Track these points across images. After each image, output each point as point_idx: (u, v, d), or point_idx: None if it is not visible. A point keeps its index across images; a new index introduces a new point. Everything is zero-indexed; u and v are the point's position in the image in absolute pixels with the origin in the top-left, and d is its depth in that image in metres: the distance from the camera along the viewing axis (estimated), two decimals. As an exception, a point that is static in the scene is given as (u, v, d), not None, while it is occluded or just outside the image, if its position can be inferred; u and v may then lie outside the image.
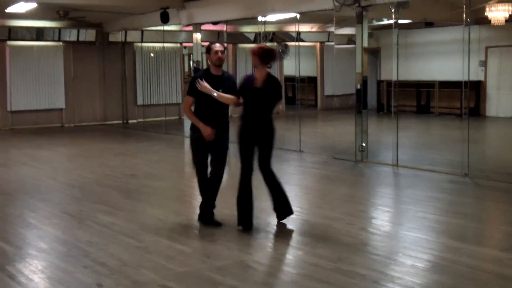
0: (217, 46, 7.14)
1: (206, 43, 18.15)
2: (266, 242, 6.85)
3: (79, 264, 5.98)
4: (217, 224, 7.23)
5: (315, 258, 6.05)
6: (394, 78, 12.01)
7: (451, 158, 12.02)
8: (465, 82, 10.87)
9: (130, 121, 20.50)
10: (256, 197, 9.01)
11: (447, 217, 7.84)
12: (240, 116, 7.14)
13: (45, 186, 10.15)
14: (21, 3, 14.52)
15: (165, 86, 20.54)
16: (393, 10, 11.61)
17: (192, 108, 7.28)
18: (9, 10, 15.37)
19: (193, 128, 7.22)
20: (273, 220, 7.48)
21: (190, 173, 12.26)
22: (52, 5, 15.64)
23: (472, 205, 8.63)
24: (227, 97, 7.07)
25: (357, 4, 11.54)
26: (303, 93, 21.62)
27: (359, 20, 11.93)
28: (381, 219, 7.97)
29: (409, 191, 9.48)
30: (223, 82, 7.15)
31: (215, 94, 7.01)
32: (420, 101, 21.78)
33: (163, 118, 18.94)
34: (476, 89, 19.48)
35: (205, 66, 16.44)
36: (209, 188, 7.28)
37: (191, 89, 7.14)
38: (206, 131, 7.07)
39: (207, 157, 7.28)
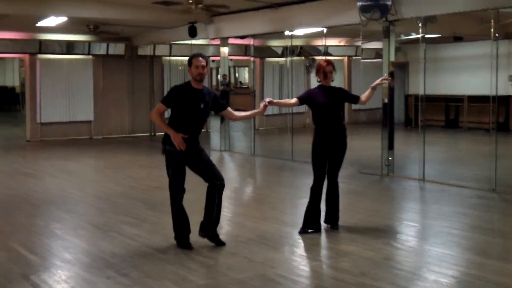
0: (199, 60, 6.86)
1: (234, 57, 18.05)
2: (288, 255, 6.82)
3: (102, 275, 6.02)
4: (191, 247, 6.85)
5: (338, 272, 6.02)
6: (421, 92, 11.92)
7: (478, 173, 11.87)
8: (493, 97, 10.76)
9: (157, 134, 20.62)
10: (278, 211, 9.06)
11: (473, 233, 7.74)
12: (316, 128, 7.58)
13: (72, 197, 10.24)
14: (52, 17, 14.74)
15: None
16: (420, 25, 11.55)
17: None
18: (40, 24, 15.61)
19: (170, 141, 6.81)
20: (295, 233, 7.46)
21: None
22: (82, 20, 15.84)
23: (499, 221, 8.52)
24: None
25: (384, 19, 11.51)
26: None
27: (386, 34, 11.91)
28: (406, 233, 7.90)
29: (435, 206, 9.38)
30: (203, 96, 6.89)
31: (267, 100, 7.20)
32: (449, 115, 21.60)
33: (190, 131, 19.00)
34: (506, 104, 19.26)
35: (232, 80, 16.55)
36: (216, 201, 6.99)
37: (168, 99, 6.86)
38: (177, 138, 6.72)
39: (185, 176, 6.98)
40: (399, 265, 6.34)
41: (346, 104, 25.95)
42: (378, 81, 7.84)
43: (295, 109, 15.15)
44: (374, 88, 7.75)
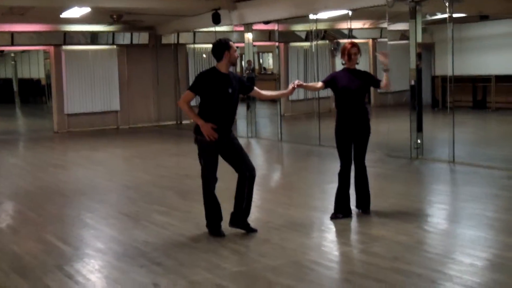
0: (234, 44, 6.85)
1: (258, 43, 17.88)
2: (320, 241, 6.79)
3: (135, 264, 6.04)
4: (223, 235, 6.85)
5: (371, 257, 5.98)
6: (449, 73, 11.77)
7: (509, 154, 11.74)
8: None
9: (184, 122, 20.67)
10: (307, 196, 9.02)
11: (507, 215, 7.64)
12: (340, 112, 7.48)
13: (102, 187, 10.31)
14: (75, 8, 14.79)
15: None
16: (447, 4, 11.38)
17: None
18: (64, 15, 15.68)
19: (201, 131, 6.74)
20: (326, 219, 7.43)
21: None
22: (106, 9, 15.88)
23: (532, 202, 8.40)
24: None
25: (410, -1, 11.37)
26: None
27: (412, 15, 11.77)
28: (438, 216, 7.83)
29: (466, 188, 9.29)
30: (231, 81, 6.84)
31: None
32: (476, 96, 21.33)
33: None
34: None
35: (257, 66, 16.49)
36: (246, 192, 6.95)
37: (196, 85, 6.78)
38: (207, 128, 6.66)
39: (217, 165, 6.93)
40: (432, 248, 6.28)
41: (372, 87, 25.66)
42: (381, 59, 7.66)
43: (321, 94, 15.10)
44: (386, 70, 7.55)
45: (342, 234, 7.03)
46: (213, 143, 6.74)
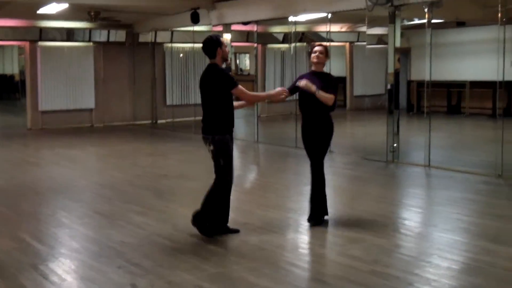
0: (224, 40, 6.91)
1: (236, 43, 17.74)
2: (298, 243, 6.80)
3: (112, 264, 5.98)
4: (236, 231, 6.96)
5: (350, 260, 5.99)
6: (426, 78, 11.85)
7: (484, 159, 11.85)
8: (500, 82, 10.71)
9: (159, 121, 20.57)
10: (285, 197, 9.01)
11: (482, 219, 7.71)
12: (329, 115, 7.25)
13: (77, 186, 10.20)
14: (53, 4, 14.63)
15: (194, 86, 20.53)
16: (426, 10, 11.45)
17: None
18: (41, 11, 15.50)
19: (223, 129, 6.73)
20: (303, 220, 7.43)
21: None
22: (83, 6, 15.72)
23: (507, 207, 8.46)
24: (327, 96, 7.07)
25: (390, 4, 11.43)
26: (332, 93, 21.51)
27: (391, 19, 11.82)
28: (415, 220, 7.87)
29: (442, 192, 9.35)
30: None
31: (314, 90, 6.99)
32: (451, 101, 21.54)
33: (192, 118, 18.95)
34: (509, 89, 19.18)
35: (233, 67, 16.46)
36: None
37: (232, 80, 6.76)
38: (279, 93, 7.00)
39: None
40: (410, 252, 6.31)
41: (348, 90, 25.71)
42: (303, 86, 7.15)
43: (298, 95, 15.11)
44: (316, 91, 7.10)
45: (320, 236, 7.03)
46: (230, 141, 6.76)
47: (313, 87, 7.00)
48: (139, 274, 5.66)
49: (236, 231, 6.94)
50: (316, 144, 7.28)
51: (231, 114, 6.78)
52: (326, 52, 7.24)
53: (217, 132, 6.69)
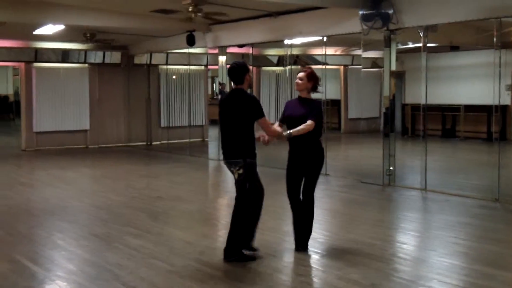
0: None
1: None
2: (296, 266, 6.74)
3: (109, 287, 5.92)
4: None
5: (348, 284, 5.95)
6: (422, 101, 11.89)
7: (480, 183, 11.85)
8: (495, 106, 10.76)
9: (154, 143, 20.54)
10: (281, 220, 8.96)
11: (480, 243, 7.69)
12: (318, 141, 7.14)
13: (72, 207, 10.13)
14: (49, 26, 14.66)
15: (189, 108, 20.57)
16: (421, 34, 11.52)
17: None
18: (37, 32, 15.52)
19: (253, 153, 6.75)
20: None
21: (216, 195, 12.29)
22: (79, 28, 15.76)
23: (504, 231, 8.47)
24: (304, 128, 6.95)
25: (385, 28, 11.50)
26: (326, 116, 21.56)
27: (387, 43, 11.89)
28: (412, 244, 7.85)
29: (439, 216, 9.33)
30: None
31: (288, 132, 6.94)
32: (445, 125, 21.61)
33: (188, 140, 18.95)
34: (503, 113, 19.28)
35: (228, 89, 16.44)
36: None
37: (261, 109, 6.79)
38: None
39: None
40: (409, 276, 6.27)
41: (343, 112, 25.72)
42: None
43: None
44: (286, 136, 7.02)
45: (318, 260, 6.98)
46: (256, 164, 6.79)
47: (283, 135, 6.93)
48: (137, 298, 5.60)
49: (252, 258, 6.84)
50: (307, 172, 7.13)
51: (254, 138, 6.84)
52: (308, 77, 7.09)
53: (248, 155, 6.71)
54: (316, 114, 7.05)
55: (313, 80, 7.13)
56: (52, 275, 6.40)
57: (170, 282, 6.05)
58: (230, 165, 6.79)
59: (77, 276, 6.38)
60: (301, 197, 7.18)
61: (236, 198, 6.85)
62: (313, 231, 8.09)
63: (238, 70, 6.78)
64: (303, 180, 7.17)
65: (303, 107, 7.04)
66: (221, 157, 16.14)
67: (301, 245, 7.18)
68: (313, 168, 7.13)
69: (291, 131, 6.94)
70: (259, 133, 6.96)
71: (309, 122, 6.93)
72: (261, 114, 6.74)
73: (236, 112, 6.73)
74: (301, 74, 7.15)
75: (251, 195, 6.78)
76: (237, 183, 6.79)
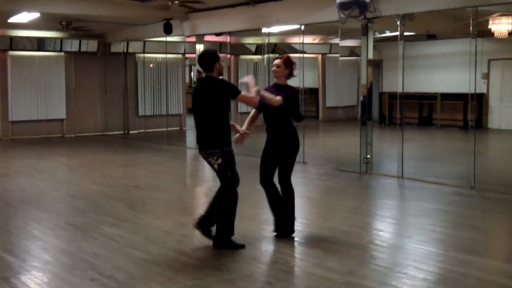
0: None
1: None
2: (274, 254, 6.75)
3: (85, 277, 5.88)
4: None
5: (325, 272, 5.96)
6: (399, 90, 11.93)
7: (456, 171, 11.94)
8: (471, 95, 10.83)
9: (131, 132, 20.43)
10: (259, 209, 8.95)
11: (456, 230, 7.76)
12: (292, 127, 7.11)
13: (48, 197, 10.05)
14: (24, 13, 14.47)
15: (167, 97, 20.46)
16: (398, 23, 11.55)
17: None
18: (12, 20, 15.33)
19: (228, 141, 6.70)
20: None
21: (193, 184, 12.26)
22: (55, 16, 15.58)
23: (480, 218, 8.54)
24: (271, 97, 6.91)
25: (362, 16, 11.50)
26: (304, 105, 21.57)
27: (364, 32, 11.91)
28: (389, 231, 7.89)
29: (415, 204, 9.39)
30: None
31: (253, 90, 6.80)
32: (422, 113, 21.74)
33: (165, 129, 18.86)
34: (479, 101, 19.44)
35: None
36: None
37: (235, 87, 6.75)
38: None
39: None
40: (385, 263, 6.31)
41: (321, 101, 25.73)
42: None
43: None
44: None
45: (295, 248, 6.99)
46: (232, 151, 6.73)
47: (254, 87, 6.79)
48: (112, 287, 5.57)
49: (241, 246, 6.83)
50: (281, 159, 7.14)
51: (229, 125, 6.79)
52: (285, 63, 7.10)
53: (224, 144, 6.64)
54: (291, 98, 7.05)
55: (290, 66, 7.15)
56: (28, 266, 6.35)
57: (146, 271, 6.02)
58: (207, 156, 6.71)
59: (52, 266, 6.32)
60: (278, 186, 7.20)
61: (221, 188, 6.78)
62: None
63: (207, 57, 6.69)
64: (276, 168, 7.19)
65: (279, 94, 7.00)
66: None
67: (283, 230, 7.20)
68: (287, 155, 7.14)
69: (262, 93, 6.88)
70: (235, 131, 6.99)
71: (278, 97, 6.91)
72: (237, 91, 6.67)
73: (208, 101, 6.63)
74: (278, 61, 7.13)
75: (232, 183, 6.74)
76: (219, 173, 6.71)
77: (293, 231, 7.28)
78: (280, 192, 7.23)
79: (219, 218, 6.77)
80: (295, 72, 7.26)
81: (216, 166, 6.68)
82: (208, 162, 6.74)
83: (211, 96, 6.62)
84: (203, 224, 6.89)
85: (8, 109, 18.59)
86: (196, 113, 6.77)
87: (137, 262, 6.31)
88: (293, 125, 7.18)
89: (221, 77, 6.78)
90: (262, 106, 7.14)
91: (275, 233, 7.26)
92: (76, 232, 7.68)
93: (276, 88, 7.13)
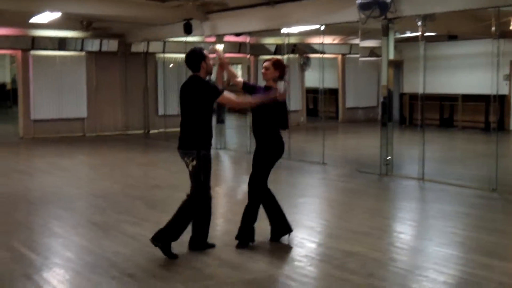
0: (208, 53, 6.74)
1: (230, 54, 17.62)
2: (294, 255, 6.73)
3: (106, 275, 5.92)
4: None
5: (345, 273, 5.96)
6: (420, 91, 11.87)
7: (477, 173, 11.85)
8: (493, 96, 10.75)
9: (151, 131, 20.51)
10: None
11: (477, 233, 7.70)
12: (274, 134, 6.97)
13: (69, 195, 10.13)
14: (46, 13, 14.57)
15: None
16: (419, 23, 11.49)
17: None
18: (34, 20, 15.44)
19: (207, 144, 6.61)
20: (298, 233, 7.38)
21: (212, 185, 12.20)
22: (76, 15, 15.69)
23: (502, 221, 8.47)
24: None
25: (383, 17, 11.44)
26: (324, 105, 21.52)
27: (385, 32, 11.85)
28: (410, 234, 7.85)
29: (436, 206, 9.34)
30: None
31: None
32: (443, 114, 21.60)
33: (185, 129, 18.86)
34: (501, 103, 19.28)
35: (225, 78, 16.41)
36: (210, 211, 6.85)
37: (216, 88, 6.61)
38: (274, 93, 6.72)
39: None
40: (405, 265, 6.28)
41: (340, 101, 25.59)
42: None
43: (291, 107, 15.11)
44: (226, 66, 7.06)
45: (315, 249, 6.99)
46: (211, 156, 6.62)
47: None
48: (133, 285, 5.61)
49: (212, 245, 6.79)
50: (257, 160, 7.07)
51: (211, 129, 6.68)
52: (274, 65, 6.98)
53: (202, 147, 6.53)
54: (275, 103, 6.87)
55: (279, 68, 7.02)
56: (50, 263, 6.40)
57: (166, 270, 6.05)
58: (183, 155, 6.60)
59: (74, 263, 6.38)
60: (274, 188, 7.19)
61: (191, 191, 6.63)
62: (310, 220, 8.16)
63: (193, 57, 6.61)
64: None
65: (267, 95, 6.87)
66: (218, 145, 16.18)
67: (273, 234, 7.06)
68: (258, 157, 7.04)
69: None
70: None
71: (248, 99, 6.91)
72: (218, 92, 6.54)
73: (190, 100, 6.54)
74: (267, 63, 7.02)
75: (204, 188, 6.61)
76: (192, 175, 6.57)
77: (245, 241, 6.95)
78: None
79: (178, 218, 6.56)
80: (285, 77, 7.15)
81: (190, 168, 6.56)
82: (184, 161, 6.62)
83: (193, 97, 6.52)
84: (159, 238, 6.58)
85: (30, 107, 18.74)
86: (181, 112, 6.71)
87: (158, 261, 6.34)
88: (278, 131, 7.01)
89: (208, 77, 6.67)
90: (246, 88, 7.10)
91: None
92: (97, 231, 7.73)
93: (265, 91, 6.96)
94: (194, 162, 6.50)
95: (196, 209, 6.62)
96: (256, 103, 6.84)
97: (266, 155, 7.02)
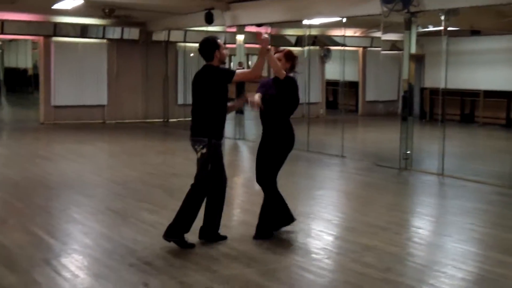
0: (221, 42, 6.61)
1: (250, 45, 17.50)
2: (311, 248, 6.73)
3: (124, 262, 5.96)
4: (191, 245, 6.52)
5: (363, 267, 5.95)
6: (441, 86, 11.79)
7: (498, 170, 11.74)
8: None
9: (170, 120, 20.56)
10: (296, 201, 8.93)
11: (496, 230, 7.65)
12: (284, 124, 6.89)
13: (89, 182, 10.20)
14: (68, 0, 14.64)
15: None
16: (442, 17, 11.40)
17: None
18: (56, 6, 15.52)
19: (220, 134, 6.57)
20: (316, 226, 7.38)
21: (231, 174, 12.24)
22: (98, 3, 15.75)
23: (521, 219, 8.42)
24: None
25: (406, 10, 11.36)
26: (343, 98, 21.45)
27: (407, 26, 11.77)
28: (428, 229, 7.82)
29: (455, 202, 9.29)
30: None
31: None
32: (464, 110, 21.44)
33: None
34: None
35: (245, 68, 16.39)
36: (223, 201, 6.78)
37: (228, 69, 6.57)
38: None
39: None
40: (423, 261, 6.26)
41: (360, 94, 25.55)
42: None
43: (311, 99, 15.07)
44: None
45: (333, 243, 6.99)
46: (221, 147, 6.59)
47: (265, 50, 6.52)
48: (151, 273, 5.64)
49: (224, 237, 6.75)
50: (267, 154, 6.87)
51: (224, 119, 6.62)
52: (286, 57, 6.88)
53: (214, 136, 6.49)
54: (284, 93, 6.78)
55: (291, 60, 6.93)
56: (68, 249, 6.46)
57: (184, 259, 6.08)
58: (194, 143, 6.55)
59: (92, 250, 6.43)
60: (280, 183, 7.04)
61: (195, 179, 6.61)
62: (328, 212, 8.15)
63: (206, 46, 6.51)
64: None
65: (275, 88, 6.80)
66: (237, 135, 16.18)
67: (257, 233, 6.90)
68: (266, 148, 6.90)
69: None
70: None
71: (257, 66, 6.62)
72: (232, 72, 6.52)
73: (204, 89, 6.48)
74: (278, 54, 6.92)
75: (208, 178, 6.56)
76: (200, 162, 6.54)
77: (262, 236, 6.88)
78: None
79: (185, 210, 6.55)
80: (297, 68, 7.05)
81: (199, 155, 6.53)
82: (194, 149, 6.57)
83: (207, 85, 6.46)
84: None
85: (51, 94, 18.87)
86: (193, 101, 6.65)
87: (175, 250, 6.36)
88: (289, 121, 6.92)
89: (221, 66, 6.62)
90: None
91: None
92: (116, 218, 7.79)
93: (274, 82, 6.86)
94: (204, 150, 6.48)
95: (201, 197, 6.58)
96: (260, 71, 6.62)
97: (275, 147, 6.88)
